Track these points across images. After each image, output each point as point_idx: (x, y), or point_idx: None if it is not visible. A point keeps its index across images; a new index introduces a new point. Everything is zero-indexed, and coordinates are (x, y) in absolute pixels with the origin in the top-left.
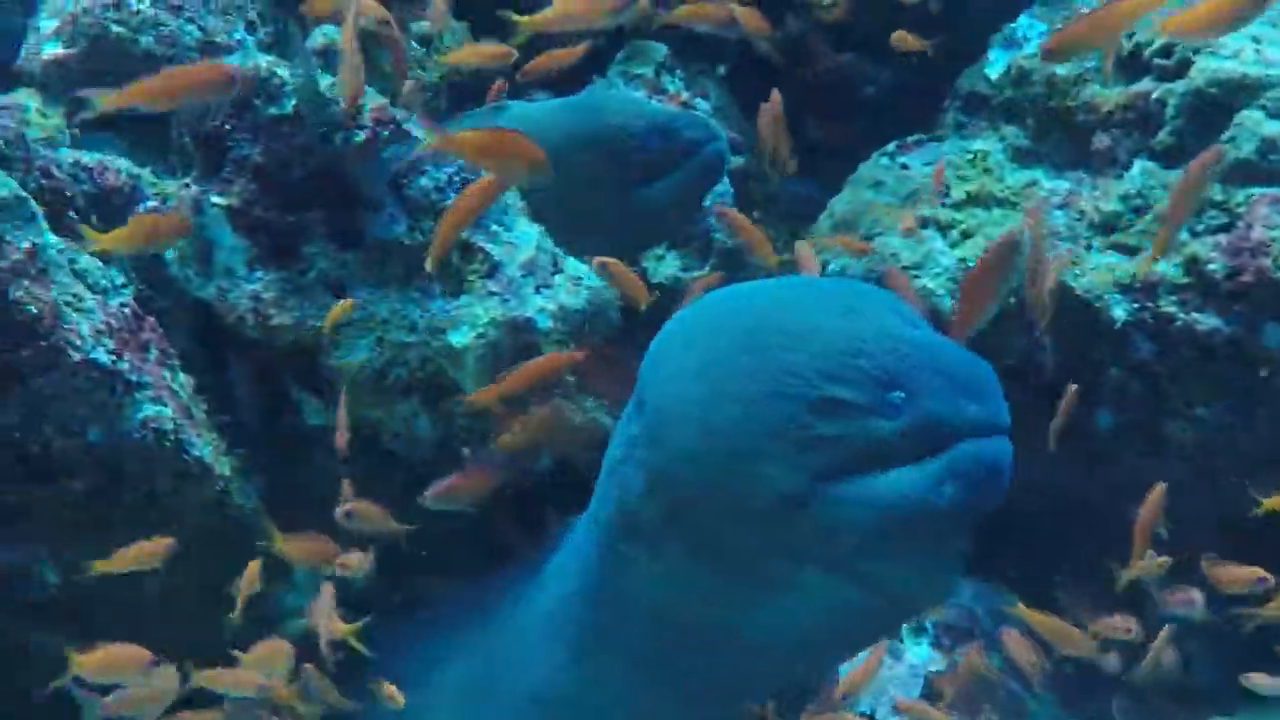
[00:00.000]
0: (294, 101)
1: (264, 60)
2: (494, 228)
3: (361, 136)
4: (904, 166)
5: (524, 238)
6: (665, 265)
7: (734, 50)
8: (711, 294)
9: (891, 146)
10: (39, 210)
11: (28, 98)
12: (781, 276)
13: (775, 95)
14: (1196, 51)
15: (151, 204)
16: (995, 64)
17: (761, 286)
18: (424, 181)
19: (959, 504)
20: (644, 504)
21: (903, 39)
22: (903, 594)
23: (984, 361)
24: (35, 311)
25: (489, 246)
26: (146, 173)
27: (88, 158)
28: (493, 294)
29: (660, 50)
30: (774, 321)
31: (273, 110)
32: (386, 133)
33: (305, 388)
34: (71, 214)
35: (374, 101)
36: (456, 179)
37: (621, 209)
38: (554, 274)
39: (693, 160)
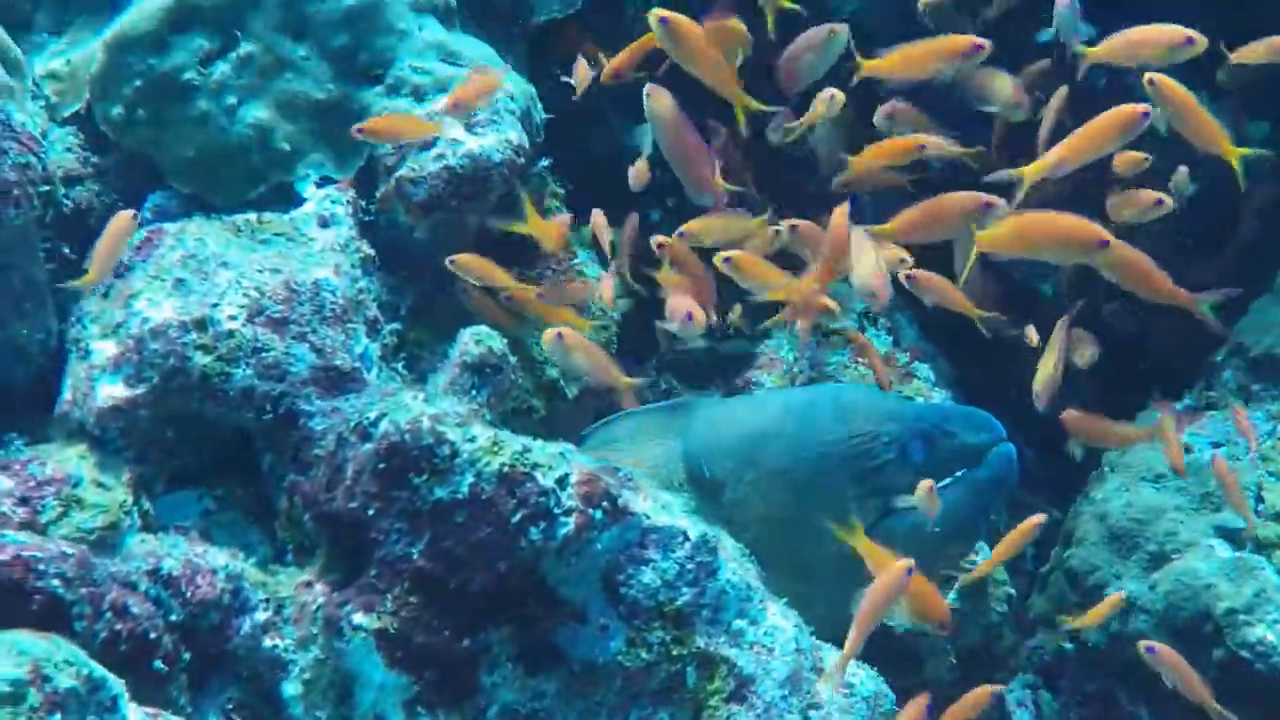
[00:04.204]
0: (470, 479)
1: (424, 411)
2: (736, 623)
3: (569, 526)
4: (1186, 449)
5: (777, 635)
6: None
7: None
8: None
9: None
10: (121, 691)
11: (78, 459)
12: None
13: None
14: None
15: (260, 616)
16: None
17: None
18: (648, 577)
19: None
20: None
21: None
22: None
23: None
24: None
25: (733, 653)
26: (249, 566)
27: (169, 561)
28: None
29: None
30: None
31: (441, 492)
32: (600, 514)
33: None
34: (158, 664)
35: (579, 472)
36: (690, 568)
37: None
38: (817, 679)
39: (974, 475)
